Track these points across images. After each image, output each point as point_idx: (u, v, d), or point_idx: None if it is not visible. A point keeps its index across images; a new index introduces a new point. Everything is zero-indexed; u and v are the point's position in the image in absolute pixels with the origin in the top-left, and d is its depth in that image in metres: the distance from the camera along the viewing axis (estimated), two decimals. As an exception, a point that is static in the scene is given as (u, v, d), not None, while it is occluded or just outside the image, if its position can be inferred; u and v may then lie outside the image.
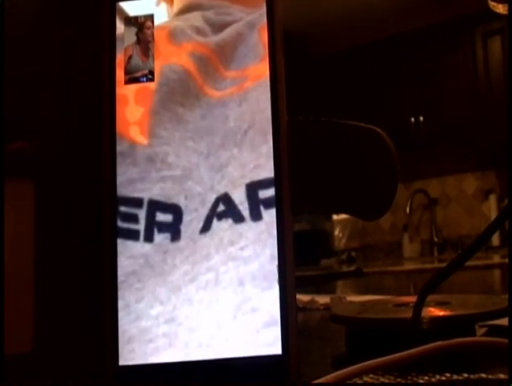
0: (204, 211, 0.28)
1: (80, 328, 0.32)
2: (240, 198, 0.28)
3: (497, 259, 2.08)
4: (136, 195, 0.28)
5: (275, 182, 0.28)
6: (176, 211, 0.28)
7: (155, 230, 0.28)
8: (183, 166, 0.28)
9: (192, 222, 0.28)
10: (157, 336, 0.27)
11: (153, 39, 0.29)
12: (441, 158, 2.74)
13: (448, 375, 0.29)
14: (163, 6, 0.30)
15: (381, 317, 0.38)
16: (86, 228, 0.33)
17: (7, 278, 0.32)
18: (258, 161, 0.28)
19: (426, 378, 0.28)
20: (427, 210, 2.98)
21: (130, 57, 0.29)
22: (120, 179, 0.29)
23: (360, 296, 0.75)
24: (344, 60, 2.92)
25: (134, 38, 0.30)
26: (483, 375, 0.28)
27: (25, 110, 0.34)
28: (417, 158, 2.64)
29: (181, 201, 0.28)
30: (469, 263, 0.33)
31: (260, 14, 0.29)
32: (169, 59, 0.29)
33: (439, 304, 0.39)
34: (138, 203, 0.28)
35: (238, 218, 0.28)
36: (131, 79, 0.29)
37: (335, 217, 2.88)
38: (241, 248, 0.27)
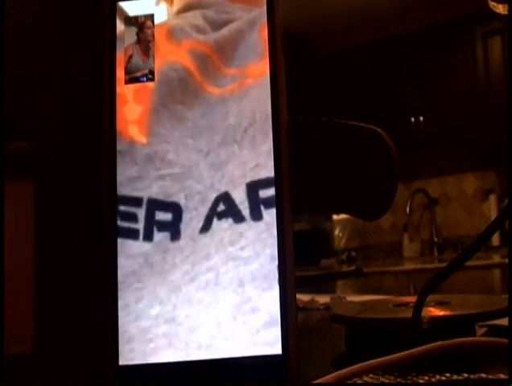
0: (204, 210, 0.28)
1: (80, 328, 0.32)
2: (240, 197, 0.28)
3: (497, 259, 2.08)
4: (135, 193, 0.28)
5: (275, 181, 0.27)
6: (176, 209, 0.28)
7: (155, 229, 0.28)
8: (182, 164, 0.28)
9: (191, 221, 0.28)
10: (157, 336, 0.27)
11: (153, 39, 0.29)
12: (441, 158, 2.74)
13: (447, 375, 0.29)
14: (163, 5, 0.30)
15: (382, 317, 0.38)
16: (86, 228, 0.33)
17: (7, 278, 0.32)
18: (258, 159, 0.28)
19: (426, 378, 0.28)
20: (427, 210, 2.98)
21: (131, 57, 0.29)
22: (119, 178, 0.29)
23: (360, 296, 0.75)
24: (344, 60, 2.92)
25: (135, 37, 0.30)
26: (483, 375, 0.28)
27: (25, 110, 0.34)
28: (417, 158, 2.64)
29: (181, 199, 0.28)
30: (469, 263, 0.33)
31: (260, 12, 0.29)
32: (168, 57, 0.29)
33: (439, 304, 0.39)
34: (137, 202, 0.28)
35: (238, 218, 0.27)
36: (131, 78, 0.29)
37: (335, 217, 2.88)
38: (242, 248, 0.27)
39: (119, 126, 0.29)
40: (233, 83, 0.29)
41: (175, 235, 0.28)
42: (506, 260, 1.79)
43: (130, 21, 0.30)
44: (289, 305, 0.26)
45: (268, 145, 0.28)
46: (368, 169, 0.30)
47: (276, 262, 0.27)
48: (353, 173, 0.30)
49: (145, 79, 0.29)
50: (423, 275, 1.65)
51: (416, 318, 0.32)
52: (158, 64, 0.29)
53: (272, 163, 0.28)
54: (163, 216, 0.28)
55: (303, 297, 0.68)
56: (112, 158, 0.29)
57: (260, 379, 0.26)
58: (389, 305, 0.42)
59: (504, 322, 0.36)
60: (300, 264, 2.21)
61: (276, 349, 0.26)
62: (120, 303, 0.27)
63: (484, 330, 0.37)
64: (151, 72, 0.29)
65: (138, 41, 0.30)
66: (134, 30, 0.30)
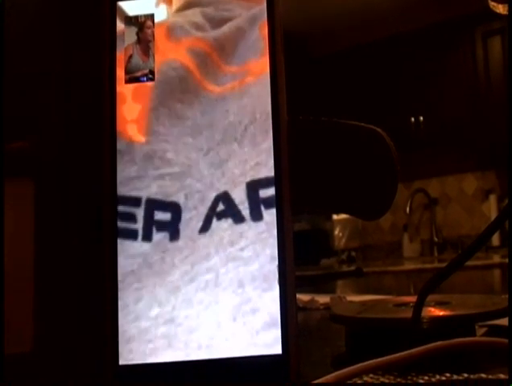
0: (204, 210, 0.28)
1: (80, 328, 0.32)
2: (240, 197, 0.28)
3: (497, 259, 2.08)
4: (134, 193, 0.28)
5: (275, 180, 0.27)
6: (175, 209, 0.28)
7: (154, 229, 0.28)
8: (182, 163, 0.28)
9: (191, 220, 0.28)
10: (156, 337, 0.27)
11: (153, 39, 0.29)
12: (441, 158, 2.74)
13: (447, 375, 0.29)
14: (163, 5, 0.30)
15: (382, 317, 0.38)
16: (86, 228, 0.33)
17: (7, 278, 0.32)
18: (258, 158, 0.28)
19: (426, 378, 0.28)
20: (427, 210, 2.98)
21: (131, 56, 0.29)
22: (118, 178, 0.28)
23: (360, 296, 0.75)
24: (344, 60, 2.92)
25: (135, 37, 0.30)
26: (483, 376, 0.28)
27: (25, 110, 0.34)
28: (417, 158, 2.64)
29: (180, 199, 0.28)
30: (469, 263, 0.33)
31: (260, 9, 0.29)
32: (168, 55, 0.29)
33: (440, 304, 0.39)
34: (136, 201, 0.28)
35: (238, 218, 0.27)
36: (131, 78, 0.29)
37: (335, 217, 2.88)
38: (241, 249, 0.27)
39: (119, 126, 0.29)
40: (233, 81, 0.29)
41: (174, 235, 0.28)
42: (506, 260, 1.79)
43: (130, 21, 0.30)
44: (289, 305, 0.26)
45: (268, 144, 0.28)
46: (368, 169, 0.30)
47: (276, 262, 0.27)
48: (353, 173, 0.30)
49: (145, 78, 0.29)
50: (423, 275, 1.65)
51: (416, 318, 0.32)
52: (158, 63, 0.29)
53: (272, 162, 0.28)
54: (162, 216, 0.28)
55: (303, 297, 0.68)
56: (112, 158, 0.28)
57: (260, 379, 0.26)
58: (389, 305, 0.42)
59: (504, 322, 0.36)
60: (300, 264, 2.21)
61: (276, 350, 0.26)
62: (119, 303, 0.27)
63: (484, 330, 0.37)
64: (151, 72, 0.29)
65: (138, 41, 0.29)
66: (134, 29, 0.30)
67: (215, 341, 0.26)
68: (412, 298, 0.39)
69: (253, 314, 0.26)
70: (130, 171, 0.28)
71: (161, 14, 0.30)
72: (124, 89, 0.29)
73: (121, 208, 0.28)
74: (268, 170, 0.28)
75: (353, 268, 2.08)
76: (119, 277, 0.27)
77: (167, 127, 0.29)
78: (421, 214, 3.01)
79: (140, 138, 0.29)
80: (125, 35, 0.30)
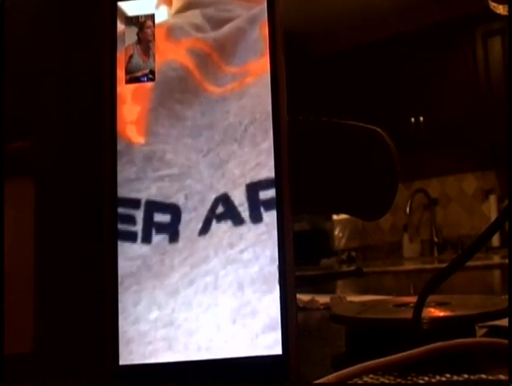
0: (203, 212, 0.27)
1: (80, 328, 0.32)
2: (240, 199, 0.27)
3: (497, 259, 2.08)
4: (133, 195, 0.28)
5: (276, 181, 0.27)
6: (175, 210, 0.28)
7: (153, 231, 0.28)
8: (181, 164, 0.28)
9: (190, 222, 0.27)
10: (156, 339, 0.27)
11: (154, 39, 0.29)
12: (441, 158, 2.74)
13: (448, 375, 0.29)
14: (163, 6, 0.30)
15: (382, 317, 0.38)
16: (86, 228, 0.33)
17: (7, 278, 0.32)
18: (258, 158, 0.28)
19: (426, 378, 0.28)
20: (427, 210, 2.98)
21: (131, 57, 0.29)
22: (117, 179, 0.28)
23: (360, 296, 0.75)
24: (344, 60, 2.92)
25: (135, 37, 0.29)
26: (483, 376, 0.28)
27: (25, 110, 0.34)
28: (417, 158, 2.64)
29: (180, 200, 0.28)
30: (469, 263, 0.33)
31: (260, 10, 0.29)
32: (168, 56, 0.29)
33: (440, 304, 0.39)
34: (135, 203, 0.28)
35: (238, 220, 0.27)
36: (132, 78, 0.29)
37: (335, 217, 2.88)
38: (241, 251, 0.27)
39: (118, 126, 0.29)
40: (233, 81, 0.28)
41: (174, 236, 0.27)
42: (506, 261, 1.79)
43: (131, 21, 0.30)
44: (289, 306, 0.26)
45: (268, 144, 0.28)
46: (368, 169, 0.30)
47: (276, 264, 0.27)
48: (354, 173, 0.30)
49: (145, 79, 0.29)
50: (423, 275, 1.65)
51: (416, 319, 0.32)
52: (158, 64, 0.29)
53: (272, 162, 0.28)
54: (161, 218, 0.28)
55: (303, 297, 0.68)
56: (112, 158, 0.28)
57: (260, 380, 0.26)
58: (389, 305, 0.42)
59: (504, 322, 0.36)
60: (300, 264, 2.21)
61: (276, 351, 0.26)
62: (118, 306, 0.27)
63: (484, 330, 0.37)
64: (152, 72, 0.29)
65: (139, 41, 0.29)
66: (134, 30, 0.30)
67: (214, 343, 0.26)
68: (412, 299, 0.39)
69: (252, 316, 0.26)
70: (129, 173, 0.28)
71: (161, 14, 0.30)
72: (124, 90, 0.29)
73: (120, 210, 0.28)
74: (268, 171, 0.27)
75: (352, 268, 2.08)
76: (118, 280, 0.27)
77: (166, 128, 0.28)
78: (421, 214, 3.01)
79: (139, 139, 0.28)
80: (126, 35, 0.30)
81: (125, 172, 0.28)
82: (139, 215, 0.28)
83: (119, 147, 0.28)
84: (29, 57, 0.35)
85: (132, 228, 0.28)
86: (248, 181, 0.28)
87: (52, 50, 0.35)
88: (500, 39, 2.57)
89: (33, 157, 0.34)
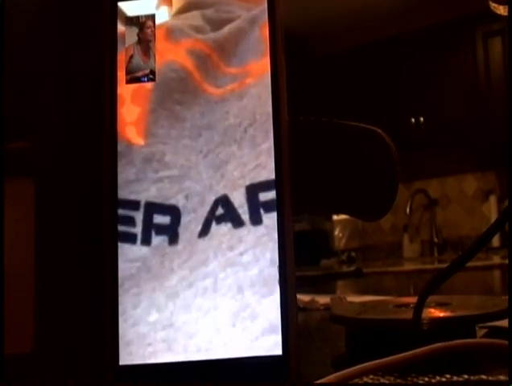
0: (203, 213, 0.27)
1: (80, 328, 0.32)
2: (240, 201, 0.27)
3: (497, 260, 2.08)
4: (133, 196, 0.28)
5: (276, 181, 0.27)
6: (174, 212, 0.28)
7: (153, 232, 0.27)
8: (181, 166, 0.28)
9: (190, 224, 0.27)
10: (155, 341, 0.27)
11: (154, 39, 0.29)
12: (441, 158, 2.74)
13: (448, 376, 0.29)
14: (164, 6, 0.30)
15: (382, 318, 0.38)
16: (86, 228, 0.33)
17: (7, 278, 0.32)
18: (258, 159, 0.27)
19: (426, 379, 0.28)
20: (428, 210, 2.98)
21: (131, 57, 0.29)
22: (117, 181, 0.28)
23: (360, 296, 0.75)
24: (344, 60, 2.92)
25: (135, 38, 0.29)
26: (483, 377, 0.28)
27: (25, 110, 0.34)
28: (417, 158, 2.64)
29: (179, 201, 0.28)
30: (470, 264, 0.33)
31: (261, 10, 0.29)
32: (167, 57, 0.29)
33: (440, 305, 0.39)
34: (135, 205, 0.28)
35: (238, 222, 0.27)
36: (132, 78, 0.29)
37: (335, 217, 2.88)
38: (241, 254, 0.27)
39: (119, 127, 0.29)
40: (233, 82, 0.28)
41: (173, 238, 0.27)
42: (506, 262, 1.79)
43: (131, 21, 0.30)
44: (290, 306, 0.26)
45: (269, 145, 0.28)
46: (368, 169, 0.30)
47: (276, 265, 0.26)
48: (354, 173, 0.30)
49: (146, 79, 0.29)
50: (423, 276, 1.65)
51: (417, 319, 0.32)
52: (158, 65, 0.29)
53: (273, 163, 0.27)
54: (161, 219, 0.27)
55: (303, 298, 0.68)
56: (112, 159, 0.28)
57: (260, 380, 0.26)
58: (389, 306, 0.42)
59: (504, 323, 0.36)
60: (300, 265, 2.21)
61: (276, 353, 0.26)
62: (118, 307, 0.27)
63: (484, 331, 0.37)
64: (152, 72, 0.29)
65: (139, 41, 0.29)
66: (134, 30, 0.30)
67: (214, 346, 0.26)
68: (412, 299, 0.39)
69: (252, 319, 0.26)
70: (128, 174, 0.28)
71: (161, 15, 0.30)
72: (123, 91, 0.29)
73: (119, 212, 0.28)
74: (268, 173, 0.27)
75: (352, 268, 2.08)
76: (118, 281, 0.27)
77: (166, 129, 0.28)
78: (421, 214, 3.01)
79: (139, 141, 0.28)
80: (126, 36, 0.30)
81: (124, 173, 0.28)
82: (139, 216, 0.28)
83: (119, 148, 0.28)
84: (29, 57, 0.35)
85: (132, 230, 0.28)
86: (248, 182, 0.27)
87: (52, 50, 0.35)
88: (500, 40, 2.57)
89: (33, 157, 0.34)
